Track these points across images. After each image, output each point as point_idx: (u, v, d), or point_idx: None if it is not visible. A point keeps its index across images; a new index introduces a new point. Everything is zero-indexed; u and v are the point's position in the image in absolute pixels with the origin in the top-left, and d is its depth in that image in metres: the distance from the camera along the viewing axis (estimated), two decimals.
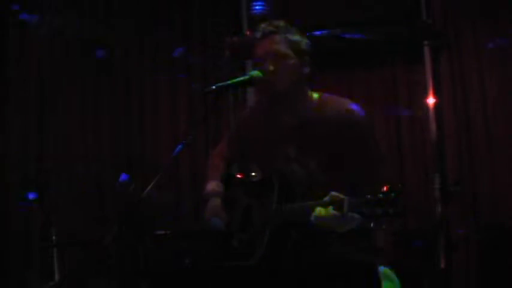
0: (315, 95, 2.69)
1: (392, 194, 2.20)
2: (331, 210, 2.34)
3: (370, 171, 2.58)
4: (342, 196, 2.34)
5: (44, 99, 5.17)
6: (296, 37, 2.63)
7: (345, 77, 4.88)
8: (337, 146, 2.58)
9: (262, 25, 2.67)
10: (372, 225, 2.33)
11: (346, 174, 2.57)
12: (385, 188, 2.23)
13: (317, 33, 4.45)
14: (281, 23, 2.64)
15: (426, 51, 4.66)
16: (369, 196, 2.23)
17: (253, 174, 2.80)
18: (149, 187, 2.44)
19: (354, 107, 2.65)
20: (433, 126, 4.64)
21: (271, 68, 2.58)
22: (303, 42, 2.65)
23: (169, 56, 5.09)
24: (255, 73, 2.61)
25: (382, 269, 2.58)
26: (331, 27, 4.56)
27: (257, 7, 4.76)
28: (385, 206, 2.19)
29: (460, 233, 4.52)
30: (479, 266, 4.41)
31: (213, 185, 2.81)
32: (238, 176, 2.90)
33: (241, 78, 2.64)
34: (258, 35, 2.65)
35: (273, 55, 2.59)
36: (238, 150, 2.89)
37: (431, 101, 4.66)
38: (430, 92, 4.66)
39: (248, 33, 4.72)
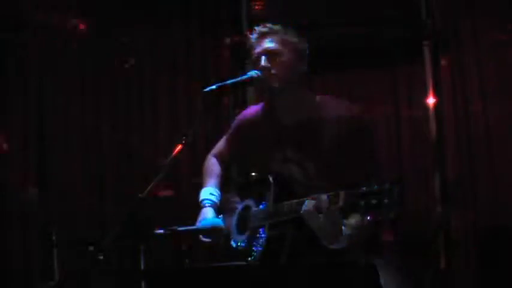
0: (313, 96, 2.70)
1: (387, 185, 2.19)
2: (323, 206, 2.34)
3: (367, 171, 2.58)
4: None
5: (44, 98, 5.16)
6: (293, 38, 2.66)
7: (345, 77, 4.88)
8: (335, 146, 2.58)
9: (258, 27, 2.72)
10: (368, 217, 2.32)
11: (343, 174, 2.56)
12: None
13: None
14: (277, 26, 2.69)
15: (426, 51, 4.66)
16: (364, 188, 2.23)
17: (251, 174, 2.80)
18: (149, 187, 2.44)
19: (352, 108, 2.65)
20: (433, 126, 4.64)
21: (266, 64, 2.60)
22: (301, 42, 2.67)
23: (169, 56, 5.09)
24: (255, 73, 2.63)
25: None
26: (331, 27, 4.56)
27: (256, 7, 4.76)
28: (381, 197, 2.18)
29: (460, 233, 4.52)
30: (479, 266, 4.41)
31: (206, 193, 2.83)
32: (237, 177, 2.90)
33: (241, 78, 2.65)
34: (254, 36, 2.71)
35: (267, 52, 2.63)
36: (238, 150, 2.89)
37: (431, 101, 4.65)
38: (430, 92, 4.65)
39: (248, 33, 4.72)
